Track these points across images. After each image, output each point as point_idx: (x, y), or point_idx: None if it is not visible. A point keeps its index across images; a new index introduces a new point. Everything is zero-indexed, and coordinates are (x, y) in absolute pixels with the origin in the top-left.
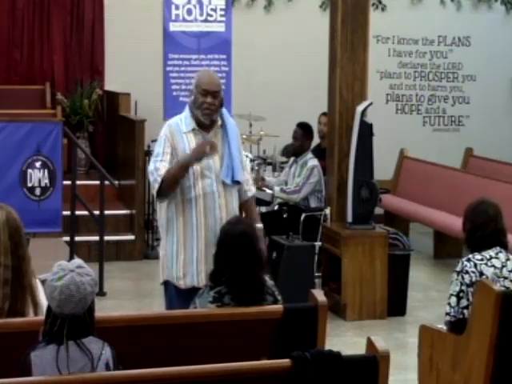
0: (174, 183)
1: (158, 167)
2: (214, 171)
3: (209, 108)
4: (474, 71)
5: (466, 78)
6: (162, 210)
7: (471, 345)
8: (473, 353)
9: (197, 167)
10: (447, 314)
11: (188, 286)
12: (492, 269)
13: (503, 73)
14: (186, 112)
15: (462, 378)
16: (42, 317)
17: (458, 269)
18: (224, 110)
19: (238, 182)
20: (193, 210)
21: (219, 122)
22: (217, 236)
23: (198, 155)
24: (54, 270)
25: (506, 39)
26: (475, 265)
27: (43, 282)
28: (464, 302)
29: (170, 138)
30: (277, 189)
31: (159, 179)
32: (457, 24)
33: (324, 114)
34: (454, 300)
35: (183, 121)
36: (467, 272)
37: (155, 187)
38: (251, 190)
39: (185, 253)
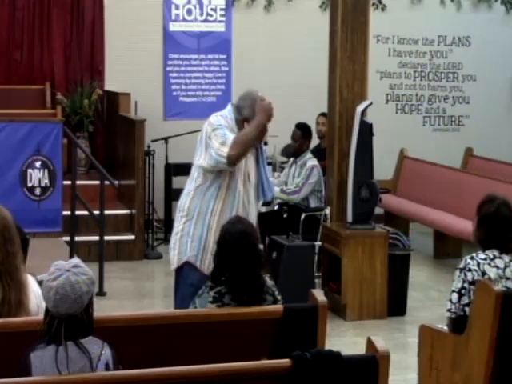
0: (247, 141)
1: (229, 137)
2: (250, 183)
3: None
4: (474, 71)
5: (466, 77)
6: (192, 196)
7: (471, 345)
8: (473, 353)
9: (241, 178)
10: (448, 310)
11: (204, 272)
12: (495, 269)
13: (503, 73)
14: (231, 115)
15: (462, 377)
16: (40, 316)
17: (461, 266)
18: None
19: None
20: (233, 211)
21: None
22: None
23: (268, 116)
24: (51, 270)
25: (506, 39)
26: (478, 264)
27: (41, 282)
28: (465, 300)
29: (231, 128)
30: (277, 189)
31: (231, 140)
32: (457, 24)
33: (322, 114)
34: (455, 296)
35: (230, 121)
36: (470, 270)
37: (227, 150)
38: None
39: (207, 237)
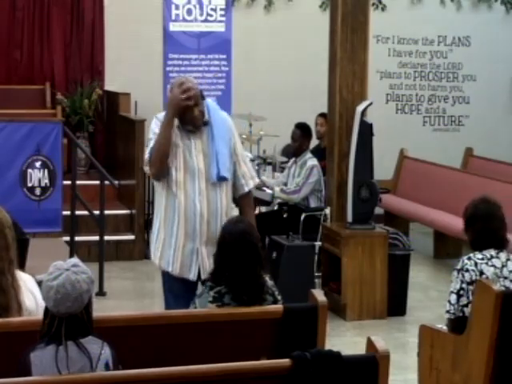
0: (160, 148)
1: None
2: (198, 170)
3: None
4: (474, 71)
5: (466, 77)
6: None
7: (471, 345)
8: (473, 353)
9: (181, 166)
10: (447, 311)
11: (163, 269)
12: (492, 268)
13: (503, 73)
14: None
15: (462, 377)
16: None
17: (459, 267)
18: (210, 104)
19: (224, 178)
20: (175, 203)
21: (205, 119)
22: (197, 232)
23: (175, 110)
24: (50, 270)
25: (506, 39)
26: (475, 263)
27: (41, 282)
28: (464, 300)
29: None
30: (277, 189)
31: (148, 150)
32: (457, 24)
33: (320, 114)
34: (453, 297)
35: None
36: (467, 270)
37: (147, 160)
38: (248, 185)
39: (165, 234)
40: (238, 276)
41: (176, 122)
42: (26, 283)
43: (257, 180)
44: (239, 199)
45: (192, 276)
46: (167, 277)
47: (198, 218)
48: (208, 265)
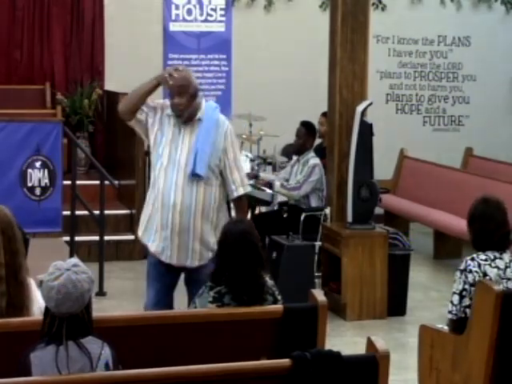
0: (134, 94)
1: None
2: (179, 163)
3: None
4: (474, 71)
5: (466, 77)
6: None
7: (471, 345)
8: (473, 353)
9: (166, 155)
10: (449, 312)
11: (144, 242)
12: (496, 270)
13: (503, 73)
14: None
15: (462, 377)
16: (41, 317)
17: (462, 267)
18: (210, 105)
19: (197, 176)
20: (156, 188)
21: (198, 116)
22: (169, 221)
23: (159, 78)
24: (50, 270)
25: (506, 39)
26: (479, 265)
27: (41, 282)
28: (466, 301)
29: (160, 107)
30: (277, 184)
31: None
32: (457, 24)
33: (324, 114)
34: (456, 298)
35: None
36: (471, 271)
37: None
38: (238, 191)
39: (151, 210)
40: (238, 276)
41: (170, 111)
42: (33, 286)
43: (248, 189)
44: (232, 202)
45: (164, 258)
46: (150, 257)
47: (171, 207)
48: (177, 254)
